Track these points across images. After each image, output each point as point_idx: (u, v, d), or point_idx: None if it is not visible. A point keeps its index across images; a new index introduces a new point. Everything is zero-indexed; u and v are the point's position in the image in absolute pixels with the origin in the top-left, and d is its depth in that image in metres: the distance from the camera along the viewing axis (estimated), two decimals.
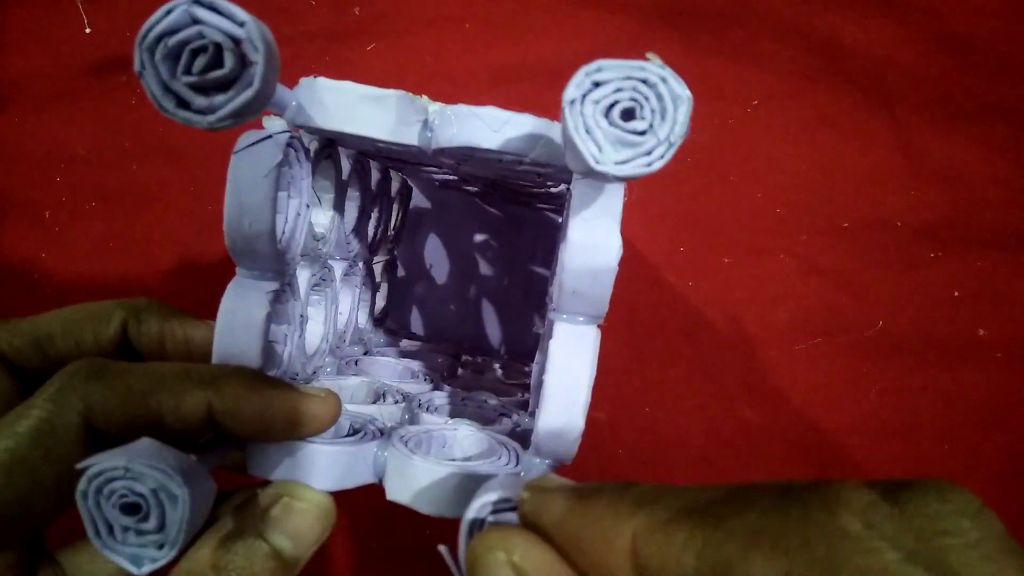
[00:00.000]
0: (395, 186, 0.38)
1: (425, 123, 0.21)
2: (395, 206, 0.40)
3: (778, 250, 0.44)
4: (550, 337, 0.21)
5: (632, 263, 0.44)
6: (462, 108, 0.20)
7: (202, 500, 0.17)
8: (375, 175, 0.34)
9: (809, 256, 0.43)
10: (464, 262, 0.44)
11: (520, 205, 0.42)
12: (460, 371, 0.36)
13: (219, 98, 0.15)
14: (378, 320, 0.40)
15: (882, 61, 0.45)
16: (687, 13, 0.46)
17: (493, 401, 0.29)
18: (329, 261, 0.30)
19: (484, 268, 0.44)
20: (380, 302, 0.40)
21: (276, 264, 0.22)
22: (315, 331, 0.30)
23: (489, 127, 0.20)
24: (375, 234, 0.36)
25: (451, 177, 0.35)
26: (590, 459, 0.42)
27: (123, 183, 0.47)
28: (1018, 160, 0.44)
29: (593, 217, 0.19)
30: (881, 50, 0.45)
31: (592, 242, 0.19)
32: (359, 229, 0.33)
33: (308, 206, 0.25)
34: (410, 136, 0.21)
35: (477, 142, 0.20)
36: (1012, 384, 0.42)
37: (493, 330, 0.43)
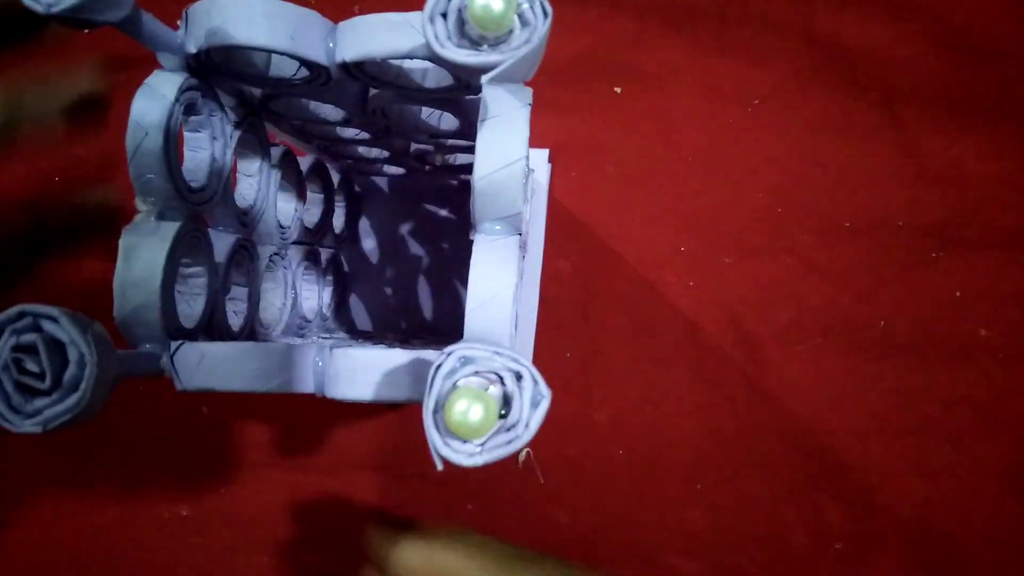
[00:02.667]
0: (335, 178, 0.39)
1: (329, 38, 0.21)
2: (337, 198, 0.40)
3: (779, 250, 0.44)
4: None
5: (632, 263, 0.44)
6: (361, 17, 0.21)
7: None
8: (309, 161, 0.35)
9: (810, 256, 0.43)
10: (399, 249, 0.44)
11: (448, 182, 0.43)
12: None
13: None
14: (335, 318, 0.41)
15: (883, 60, 0.45)
16: (687, 12, 0.46)
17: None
18: (265, 241, 0.31)
19: (417, 251, 0.44)
20: (327, 299, 0.40)
21: (178, 201, 0.22)
22: (274, 304, 0.32)
23: (386, 30, 0.20)
24: (319, 224, 0.37)
25: (380, 155, 0.36)
26: (589, 460, 0.42)
27: (123, 183, 0.46)
28: (1020, 159, 0.44)
29: (500, 116, 0.20)
30: (882, 49, 0.45)
31: (499, 140, 0.19)
32: (297, 214, 0.33)
33: (231, 149, 0.25)
34: (315, 50, 0.21)
35: (378, 47, 0.20)
36: (1014, 384, 0.41)
37: (438, 313, 0.43)
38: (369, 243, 0.43)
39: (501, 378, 0.16)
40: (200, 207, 0.23)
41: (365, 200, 0.44)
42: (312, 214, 0.36)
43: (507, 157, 0.19)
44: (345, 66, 0.21)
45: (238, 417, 0.43)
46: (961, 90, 0.45)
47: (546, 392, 0.16)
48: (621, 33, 0.46)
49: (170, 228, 0.21)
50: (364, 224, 0.44)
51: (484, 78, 0.19)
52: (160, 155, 0.20)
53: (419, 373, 0.19)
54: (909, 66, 0.45)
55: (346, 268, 0.43)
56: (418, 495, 0.42)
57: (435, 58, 0.18)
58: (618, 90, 0.46)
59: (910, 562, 0.40)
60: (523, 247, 0.27)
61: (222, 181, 0.24)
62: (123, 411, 0.43)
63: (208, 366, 0.20)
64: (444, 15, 0.18)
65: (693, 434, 0.42)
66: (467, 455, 0.16)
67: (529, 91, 0.20)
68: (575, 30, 0.46)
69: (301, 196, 0.33)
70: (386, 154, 0.35)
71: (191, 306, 0.24)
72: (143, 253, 0.20)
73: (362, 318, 0.43)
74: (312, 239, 0.36)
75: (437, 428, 0.16)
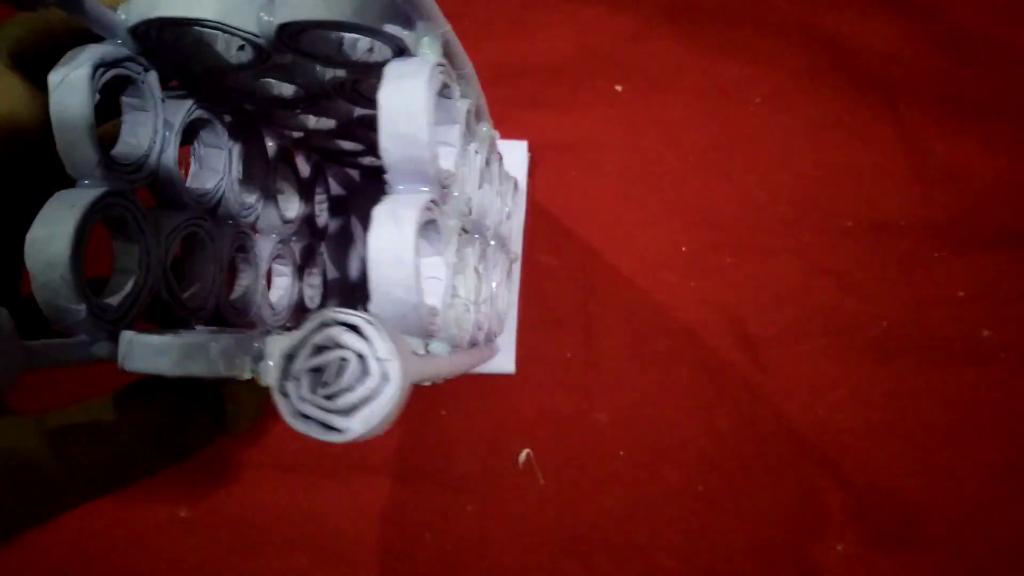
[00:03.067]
0: (307, 170, 0.38)
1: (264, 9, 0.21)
2: (318, 191, 0.40)
3: (781, 250, 0.43)
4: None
5: (633, 263, 0.44)
6: None
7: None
8: (275, 149, 0.35)
9: (812, 256, 0.43)
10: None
11: None
12: None
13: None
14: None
15: (886, 59, 0.45)
16: (690, 10, 0.46)
17: None
18: (226, 222, 0.30)
19: None
20: (309, 293, 0.40)
21: (104, 171, 0.21)
22: (243, 285, 0.31)
23: None
24: (300, 214, 0.36)
25: (350, 147, 0.35)
26: (590, 460, 0.42)
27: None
28: (1023, 159, 0.44)
29: (400, 79, 0.19)
30: (886, 48, 0.45)
31: (401, 103, 0.19)
32: (259, 193, 0.33)
33: (167, 122, 0.25)
34: (247, 20, 0.21)
35: (311, 14, 0.20)
36: (1017, 385, 0.41)
37: None
38: (359, 241, 0.43)
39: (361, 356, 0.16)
40: (135, 180, 0.23)
41: (351, 199, 0.43)
42: (286, 204, 0.36)
43: (410, 108, 0.19)
44: (282, 39, 0.21)
45: None
46: (964, 89, 0.44)
47: (377, 370, 0.15)
48: (622, 31, 0.46)
49: (85, 197, 0.20)
50: (354, 223, 0.43)
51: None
52: (79, 125, 0.20)
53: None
54: (912, 65, 0.45)
55: (330, 266, 0.43)
56: (417, 496, 0.42)
57: None
58: (619, 88, 0.46)
59: (913, 564, 0.40)
60: (470, 224, 0.27)
61: (160, 157, 0.24)
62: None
63: (136, 352, 0.20)
64: None
65: (694, 435, 0.42)
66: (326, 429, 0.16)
67: (434, 57, 0.20)
68: (575, 28, 0.46)
69: (268, 181, 0.33)
70: (360, 147, 0.35)
71: (121, 282, 0.23)
72: (53, 221, 0.20)
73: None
74: (286, 228, 0.35)
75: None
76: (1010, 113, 0.44)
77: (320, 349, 0.15)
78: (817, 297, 0.43)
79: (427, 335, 0.21)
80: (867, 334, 0.42)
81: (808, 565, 0.40)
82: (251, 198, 0.31)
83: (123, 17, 0.21)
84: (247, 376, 0.20)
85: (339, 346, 0.15)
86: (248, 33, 0.21)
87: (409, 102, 0.19)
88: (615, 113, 0.45)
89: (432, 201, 0.20)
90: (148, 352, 0.20)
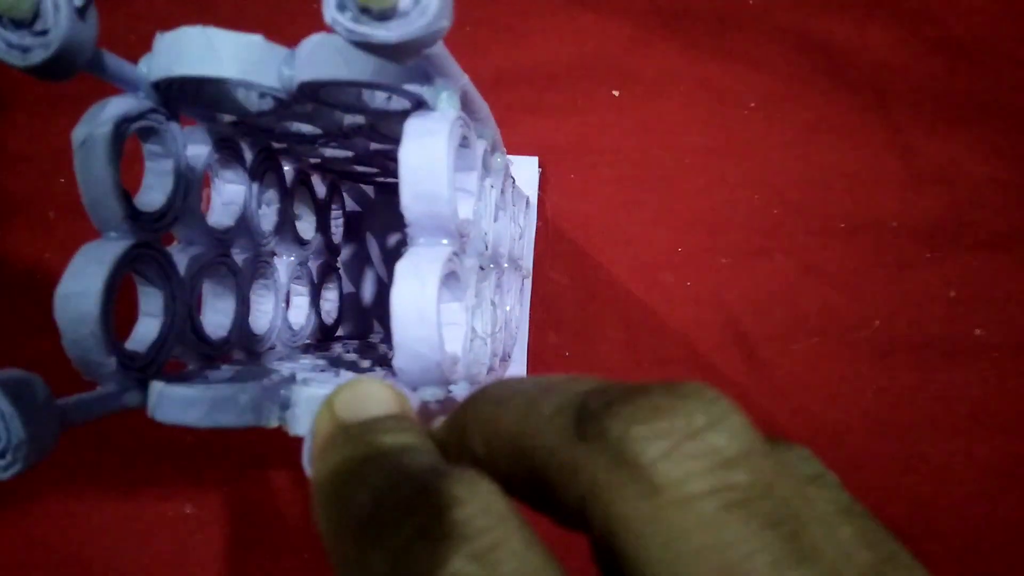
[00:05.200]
0: (323, 190, 0.39)
1: (286, 63, 0.21)
2: (334, 208, 0.40)
3: (775, 251, 0.44)
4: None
5: (630, 264, 0.44)
6: (319, 37, 0.20)
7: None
8: (292, 174, 0.35)
9: (806, 257, 0.44)
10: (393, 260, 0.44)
11: None
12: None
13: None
14: (330, 329, 0.40)
15: (878, 63, 0.45)
16: (684, 16, 0.46)
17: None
18: (248, 251, 0.31)
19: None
20: (326, 308, 0.40)
21: (130, 224, 0.22)
22: (265, 312, 0.32)
23: (342, 55, 0.20)
24: (317, 237, 0.37)
25: (364, 170, 0.36)
26: None
27: (127, 183, 0.47)
28: (1014, 160, 0.44)
29: (421, 138, 0.20)
30: (877, 52, 0.46)
31: (422, 162, 0.19)
32: (279, 223, 0.33)
33: (189, 167, 0.25)
34: (268, 76, 0.21)
35: (333, 74, 0.20)
36: (1008, 384, 0.42)
37: None
38: (373, 256, 0.44)
39: None
40: (159, 228, 0.23)
41: (365, 215, 0.44)
42: (304, 227, 0.36)
43: (432, 170, 0.19)
44: (304, 92, 0.21)
45: None
46: (955, 92, 0.45)
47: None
48: (619, 37, 0.47)
49: (112, 252, 0.21)
50: (368, 239, 0.44)
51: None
52: (104, 181, 0.21)
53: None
54: (903, 69, 0.45)
55: (345, 280, 0.43)
56: None
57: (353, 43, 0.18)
58: (616, 93, 0.46)
59: None
60: (486, 260, 0.27)
61: (184, 202, 0.24)
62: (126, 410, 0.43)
63: (165, 404, 0.21)
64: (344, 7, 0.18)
65: None
66: None
67: (453, 112, 0.21)
68: (573, 34, 0.47)
69: (286, 207, 0.33)
70: (374, 170, 0.36)
71: (148, 328, 0.24)
72: (81, 277, 0.20)
73: (377, 330, 0.43)
74: (303, 250, 0.36)
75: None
76: (1000, 116, 0.45)
77: None
78: (810, 297, 0.43)
79: (449, 383, 0.21)
80: (860, 333, 0.43)
81: None
82: (270, 226, 0.32)
83: (145, 71, 0.22)
84: (274, 425, 0.20)
85: None
86: (269, 88, 0.21)
87: (430, 161, 0.19)
88: (613, 117, 0.46)
89: (453, 253, 0.20)
90: (177, 404, 0.20)
